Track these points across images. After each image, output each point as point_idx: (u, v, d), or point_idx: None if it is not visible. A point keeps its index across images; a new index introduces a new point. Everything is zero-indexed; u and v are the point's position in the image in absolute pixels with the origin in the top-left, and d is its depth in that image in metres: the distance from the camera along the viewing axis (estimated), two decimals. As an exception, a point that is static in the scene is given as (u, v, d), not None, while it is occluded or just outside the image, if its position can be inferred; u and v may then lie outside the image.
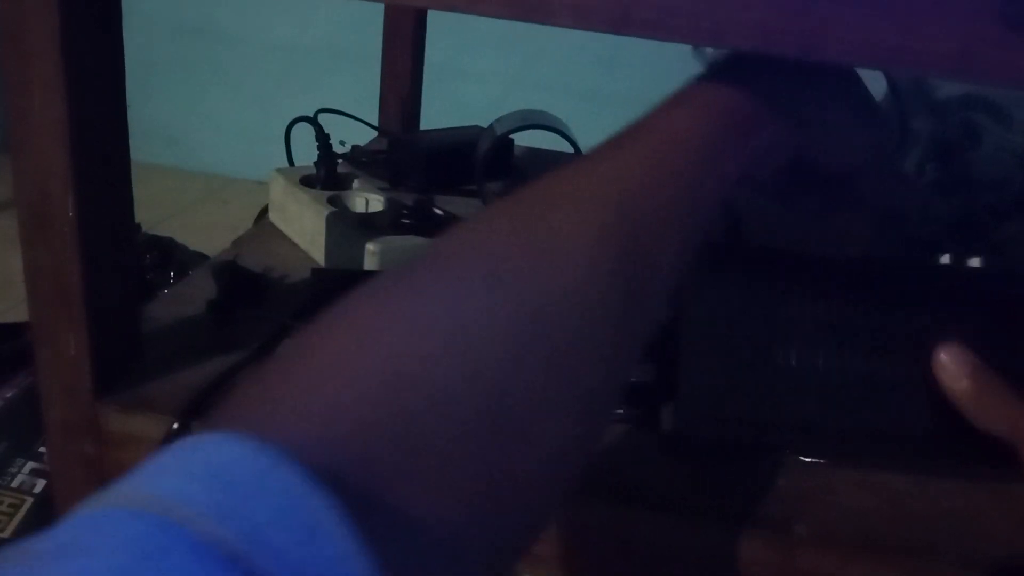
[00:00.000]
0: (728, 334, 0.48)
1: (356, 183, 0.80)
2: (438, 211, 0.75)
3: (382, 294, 0.33)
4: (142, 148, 0.67)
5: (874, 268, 0.51)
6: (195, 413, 0.51)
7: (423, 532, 0.27)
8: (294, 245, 0.75)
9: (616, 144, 0.39)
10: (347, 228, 0.70)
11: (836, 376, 0.47)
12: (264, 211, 0.82)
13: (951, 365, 0.44)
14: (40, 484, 0.90)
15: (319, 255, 0.72)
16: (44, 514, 0.86)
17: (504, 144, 0.89)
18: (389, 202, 0.77)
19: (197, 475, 0.23)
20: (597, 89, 1.87)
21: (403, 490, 0.27)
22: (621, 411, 0.54)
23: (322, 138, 0.80)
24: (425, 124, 1.06)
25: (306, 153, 0.84)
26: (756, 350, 0.48)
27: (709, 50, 0.54)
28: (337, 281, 0.62)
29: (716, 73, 0.43)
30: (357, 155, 0.89)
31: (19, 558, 0.21)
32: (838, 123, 0.48)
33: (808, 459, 0.52)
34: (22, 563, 0.20)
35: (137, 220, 0.57)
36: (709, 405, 0.48)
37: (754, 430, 0.48)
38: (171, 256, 1.26)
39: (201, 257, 1.23)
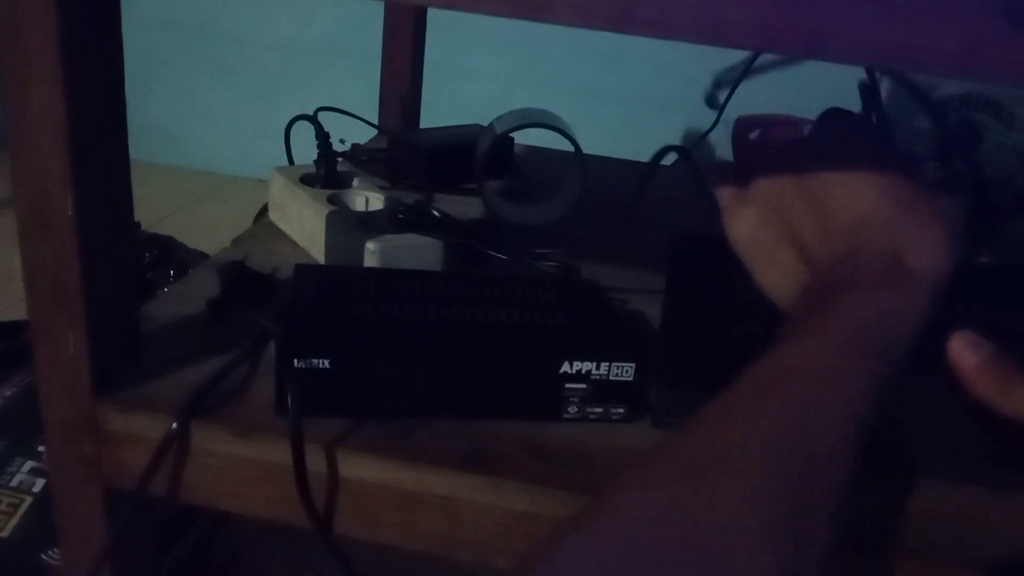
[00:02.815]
0: (708, 321, 0.51)
1: (356, 181, 0.80)
2: (436, 212, 0.75)
3: None
4: (141, 146, 0.67)
5: None
6: (194, 412, 0.51)
7: None
8: (294, 244, 0.75)
9: (761, 394, 0.38)
10: (347, 227, 0.70)
11: None
12: (264, 209, 0.82)
13: (967, 353, 0.43)
14: (39, 483, 0.89)
15: (319, 254, 0.72)
16: (43, 513, 0.85)
17: (504, 142, 0.89)
18: (389, 200, 0.77)
19: None
20: (598, 87, 1.86)
21: None
22: (622, 410, 0.54)
23: (322, 136, 0.80)
24: (425, 122, 1.06)
25: (306, 151, 0.84)
26: (734, 337, 0.50)
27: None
28: (320, 277, 0.62)
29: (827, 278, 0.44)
30: (357, 153, 0.89)
31: None
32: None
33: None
34: None
35: (136, 218, 0.56)
36: (692, 391, 0.48)
37: None
38: (171, 254, 1.26)
39: (201, 256, 1.23)
